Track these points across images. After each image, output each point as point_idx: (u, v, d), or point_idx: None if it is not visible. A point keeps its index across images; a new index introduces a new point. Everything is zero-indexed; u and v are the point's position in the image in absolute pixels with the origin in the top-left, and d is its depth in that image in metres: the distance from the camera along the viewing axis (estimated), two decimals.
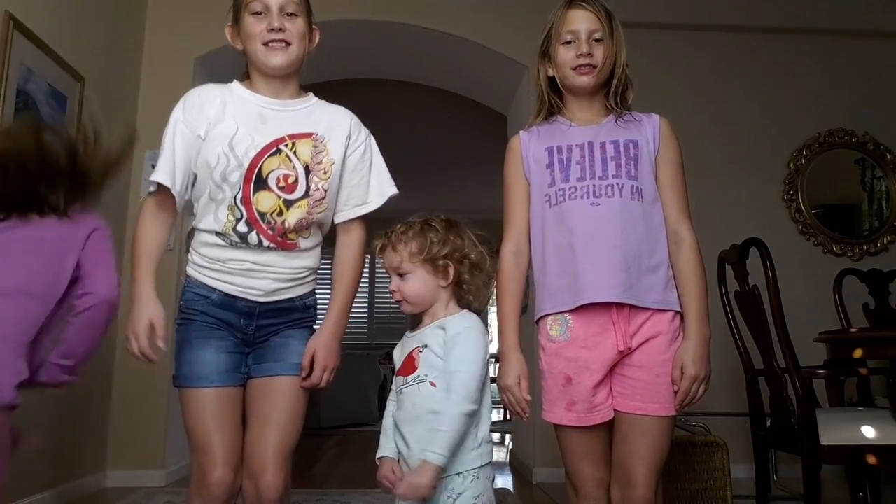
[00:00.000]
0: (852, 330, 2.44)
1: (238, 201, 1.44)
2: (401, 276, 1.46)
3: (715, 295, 2.60)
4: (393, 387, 1.50)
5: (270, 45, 1.47)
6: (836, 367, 2.40)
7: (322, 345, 1.50)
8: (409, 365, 1.44)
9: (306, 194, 1.47)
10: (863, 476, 2.34)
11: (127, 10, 3.59)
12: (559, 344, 1.44)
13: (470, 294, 1.47)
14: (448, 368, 1.38)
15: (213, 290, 1.48)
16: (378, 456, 1.45)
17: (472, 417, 1.38)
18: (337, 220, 1.58)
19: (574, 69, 1.48)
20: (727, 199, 3.84)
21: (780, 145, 3.99)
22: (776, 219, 3.90)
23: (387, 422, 1.48)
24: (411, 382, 1.42)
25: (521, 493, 3.34)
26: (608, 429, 1.44)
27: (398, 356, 1.50)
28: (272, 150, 1.45)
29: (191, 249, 1.53)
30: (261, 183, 1.44)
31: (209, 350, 1.45)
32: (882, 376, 2.40)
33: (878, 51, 4.11)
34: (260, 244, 1.46)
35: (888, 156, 4.00)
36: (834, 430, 2.09)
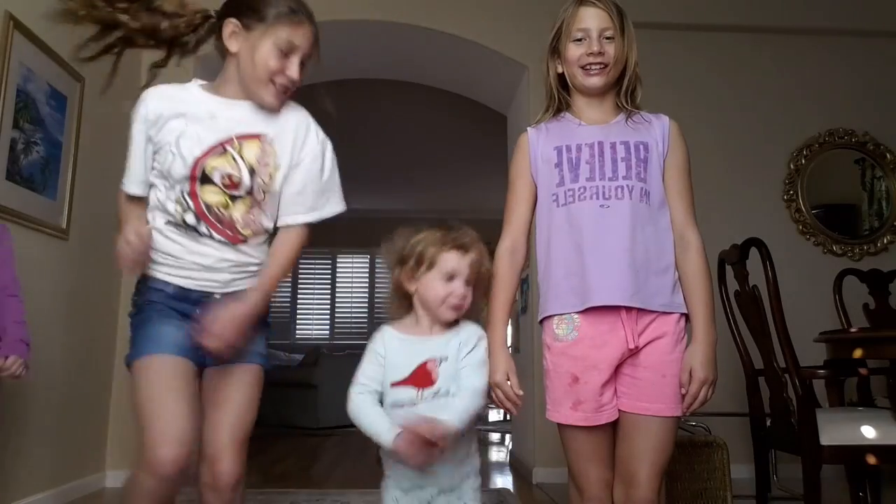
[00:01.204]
0: (852, 330, 2.44)
1: (185, 195, 1.44)
2: (467, 283, 1.45)
3: (715, 295, 2.59)
4: (388, 399, 1.42)
5: (277, 85, 1.45)
6: (836, 367, 2.40)
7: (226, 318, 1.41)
8: (424, 377, 1.40)
9: (249, 193, 1.45)
10: (863, 476, 2.34)
11: None
12: (565, 343, 1.43)
13: (474, 312, 1.50)
14: (470, 362, 1.42)
15: (168, 283, 1.45)
16: (386, 437, 1.34)
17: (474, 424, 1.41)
18: (279, 224, 1.52)
19: (583, 68, 1.47)
20: (727, 199, 3.84)
21: (780, 145, 4.00)
22: (776, 219, 3.90)
23: (372, 406, 1.41)
24: (430, 397, 1.40)
25: (521, 493, 3.34)
26: (613, 429, 1.44)
27: (400, 361, 1.43)
28: (218, 151, 1.43)
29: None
30: (206, 180, 1.43)
31: (169, 326, 1.41)
32: (882, 376, 2.40)
33: (878, 51, 4.11)
34: (211, 237, 1.45)
35: (888, 156, 4.00)
36: (834, 430, 2.09)
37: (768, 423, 2.41)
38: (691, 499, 2.41)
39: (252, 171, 1.44)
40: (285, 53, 1.43)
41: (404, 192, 7.99)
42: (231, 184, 1.43)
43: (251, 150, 1.44)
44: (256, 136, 1.45)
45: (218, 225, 1.45)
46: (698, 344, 1.40)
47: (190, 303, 1.45)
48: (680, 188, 1.51)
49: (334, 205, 1.55)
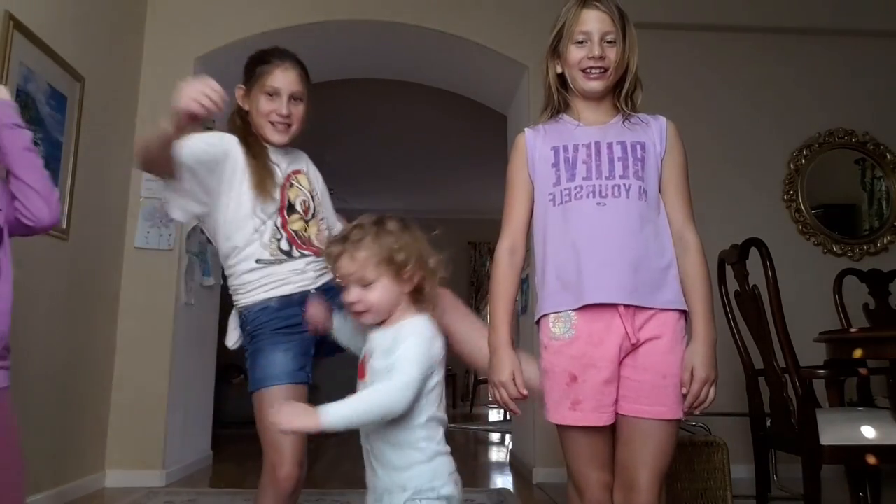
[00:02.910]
0: (852, 330, 2.44)
1: (278, 226, 1.72)
2: (364, 285, 1.38)
3: (715, 295, 2.60)
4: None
5: (276, 126, 1.76)
6: (836, 367, 2.40)
7: None
8: (361, 369, 1.42)
9: (314, 213, 1.80)
10: (863, 476, 2.34)
11: (127, 9, 3.59)
12: (562, 342, 1.42)
13: (428, 300, 1.43)
14: (388, 364, 1.33)
15: (270, 299, 1.68)
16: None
17: (397, 423, 1.31)
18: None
19: (584, 71, 1.46)
20: (727, 200, 3.84)
21: (780, 145, 4.00)
22: (776, 219, 3.90)
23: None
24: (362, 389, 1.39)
25: (521, 493, 3.34)
26: (612, 432, 1.42)
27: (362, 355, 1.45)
28: (290, 183, 1.77)
29: (234, 287, 1.74)
30: (291, 209, 1.75)
31: (278, 353, 1.63)
32: (882, 376, 2.40)
33: (878, 51, 4.11)
34: (302, 256, 1.73)
35: (888, 156, 4.00)
36: (834, 430, 2.09)
37: (768, 423, 2.41)
38: (691, 499, 2.41)
39: (312, 195, 1.81)
40: (271, 95, 1.75)
41: (404, 192, 7.99)
42: (305, 209, 1.77)
43: (304, 181, 1.82)
44: (301, 171, 1.83)
45: (304, 245, 1.74)
46: (698, 343, 1.39)
47: (294, 305, 1.67)
48: (678, 188, 1.50)
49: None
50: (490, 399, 8.48)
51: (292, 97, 1.77)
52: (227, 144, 1.72)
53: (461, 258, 9.28)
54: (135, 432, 3.37)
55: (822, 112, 4.03)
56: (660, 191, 1.49)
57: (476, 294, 9.43)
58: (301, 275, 1.71)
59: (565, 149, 1.48)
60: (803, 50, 4.09)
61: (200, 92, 1.42)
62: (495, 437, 5.99)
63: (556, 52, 1.52)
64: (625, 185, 1.43)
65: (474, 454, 4.44)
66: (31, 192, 1.46)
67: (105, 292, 3.31)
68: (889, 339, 2.06)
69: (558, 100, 1.54)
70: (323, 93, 1.71)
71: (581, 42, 1.46)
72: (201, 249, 3.85)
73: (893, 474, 2.67)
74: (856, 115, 4.03)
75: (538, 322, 1.50)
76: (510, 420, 6.04)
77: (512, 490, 3.41)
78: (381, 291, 1.39)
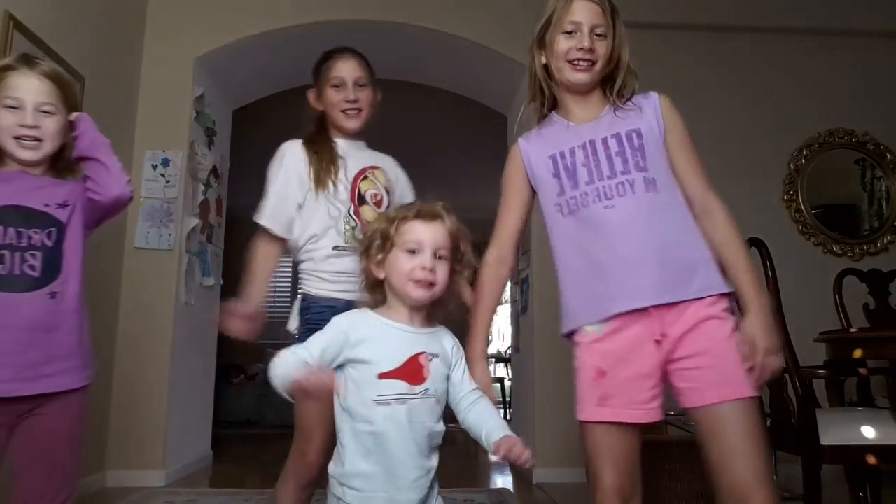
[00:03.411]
0: (852, 330, 2.44)
1: (351, 213, 1.79)
2: (438, 257, 1.32)
3: None
4: (363, 394, 1.26)
5: (348, 112, 1.87)
6: (836, 367, 2.40)
7: None
8: (416, 372, 1.28)
9: (388, 208, 1.84)
10: (863, 476, 2.34)
11: (127, 9, 3.59)
12: (592, 337, 1.36)
13: (446, 310, 1.39)
14: (469, 385, 1.34)
15: (338, 300, 1.70)
16: (293, 374, 1.21)
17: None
18: None
19: (571, 62, 1.42)
20: (727, 200, 3.76)
21: (780, 145, 3.99)
22: (776, 219, 3.90)
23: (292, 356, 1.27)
24: (420, 394, 1.27)
25: (520, 493, 3.34)
26: (639, 435, 1.36)
27: (387, 349, 1.28)
28: (363, 176, 1.85)
29: (307, 272, 1.80)
30: (362, 200, 1.82)
31: None
32: (882, 376, 2.40)
33: (878, 51, 4.11)
34: None
35: (888, 156, 4.00)
36: (834, 430, 2.09)
37: (768, 423, 2.41)
38: (691, 499, 2.42)
39: (387, 190, 1.89)
40: (338, 86, 1.87)
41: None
42: (377, 202, 1.84)
43: (381, 176, 1.90)
44: (379, 168, 1.91)
45: None
46: (752, 313, 1.32)
47: None
48: (688, 162, 1.45)
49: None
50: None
51: (357, 83, 1.88)
52: (284, 161, 1.83)
53: None
54: (135, 432, 3.37)
55: (822, 112, 4.03)
56: (673, 171, 1.43)
57: None
58: None
59: (562, 155, 1.44)
60: (803, 50, 4.09)
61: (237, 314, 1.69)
62: None
63: (542, 42, 1.48)
64: (628, 181, 1.38)
65: (474, 454, 4.44)
66: (102, 167, 1.51)
67: (105, 292, 3.31)
68: (889, 339, 2.06)
69: (546, 93, 1.51)
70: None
71: (570, 32, 1.43)
72: (201, 249, 3.85)
73: (893, 474, 2.67)
74: (856, 115, 4.03)
75: (567, 336, 1.45)
76: (510, 420, 6.03)
77: (512, 490, 3.41)
78: (446, 272, 1.35)
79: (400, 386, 1.26)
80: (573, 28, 1.43)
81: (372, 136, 1.99)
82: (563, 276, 1.45)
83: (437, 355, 1.30)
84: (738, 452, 1.25)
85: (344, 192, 1.80)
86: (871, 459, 2.06)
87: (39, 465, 1.39)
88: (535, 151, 1.49)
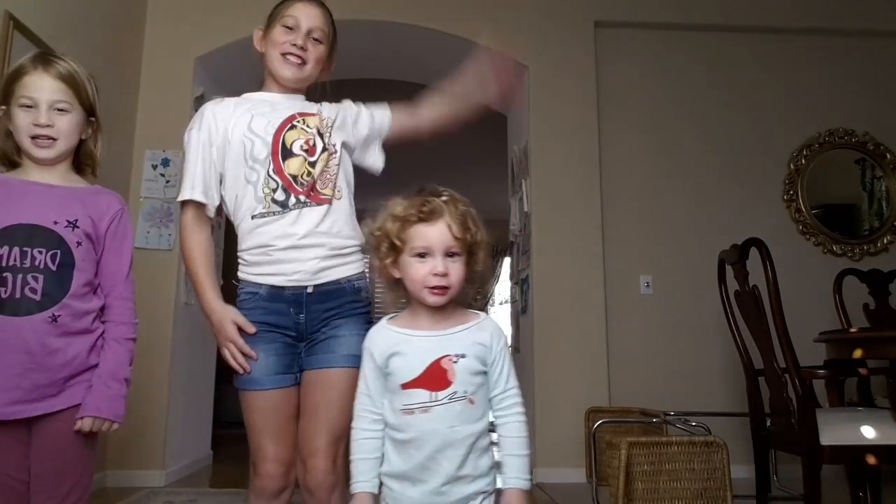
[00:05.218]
0: (852, 330, 2.44)
1: (271, 173, 1.55)
2: (450, 255, 1.26)
3: (715, 295, 2.60)
4: (393, 404, 1.27)
5: (288, 57, 1.61)
6: (836, 367, 2.40)
7: None
8: (440, 377, 1.24)
9: (324, 150, 1.60)
10: (863, 476, 2.34)
11: (127, 9, 3.59)
12: None
13: (474, 289, 1.34)
14: (503, 385, 1.28)
15: (261, 285, 1.55)
16: (357, 489, 1.24)
17: (483, 427, 1.29)
18: (386, 123, 1.74)
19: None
20: (727, 199, 3.83)
21: (780, 145, 4.00)
22: (776, 219, 3.90)
23: (369, 444, 1.27)
24: (445, 399, 1.23)
25: None
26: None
27: (409, 359, 1.27)
28: (288, 126, 1.59)
29: (238, 255, 1.61)
30: (287, 153, 1.56)
31: (259, 353, 1.52)
32: (882, 376, 2.40)
33: (878, 51, 4.11)
34: (298, 202, 1.55)
35: (888, 156, 4.00)
36: (834, 430, 2.09)
37: (768, 423, 2.41)
38: (691, 499, 2.41)
39: (319, 133, 1.61)
40: (291, 28, 1.61)
41: (404, 192, 7.98)
42: (309, 149, 1.58)
43: (313, 120, 1.62)
44: (313, 114, 1.63)
45: (304, 191, 1.55)
46: None
47: (284, 302, 1.53)
48: None
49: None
50: None
51: (311, 33, 1.63)
52: (202, 123, 1.60)
53: None
54: (135, 432, 3.36)
55: (822, 112, 4.03)
56: None
57: None
58: (298, 254, 1.53)
59: None
60: (803, 50, 4.09)
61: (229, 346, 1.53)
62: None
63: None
64: None
65: None
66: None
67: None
68: (889, 339, 2.06)
69: None
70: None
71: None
72: None
73: (893, 474, 2.67)
74: (856, 115, 4.03)
75: None
76: None
77: None
78: (462, 269, 1.28)
79: (422, 394, 1.24)
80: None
81: None
82: None
83: (463, 355, 1.26)
84: None
85: (263, 148, 1.55)
86: (871, 459, 2.06)
87: (50, 466, 1.39)
88: None
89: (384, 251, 1.31)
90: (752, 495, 2.50)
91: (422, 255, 1.27)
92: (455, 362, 1.25)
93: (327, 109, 1.67)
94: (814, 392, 2.15)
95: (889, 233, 3.95)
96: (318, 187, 1.57)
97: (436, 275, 1.25)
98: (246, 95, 1.66)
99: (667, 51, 4.01)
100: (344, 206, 1.61)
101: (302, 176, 1.56)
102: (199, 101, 3.82)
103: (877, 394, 2.66)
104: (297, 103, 1.65)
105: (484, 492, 1.27)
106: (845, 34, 4.10)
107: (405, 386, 1.25)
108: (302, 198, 1.54)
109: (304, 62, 1.61)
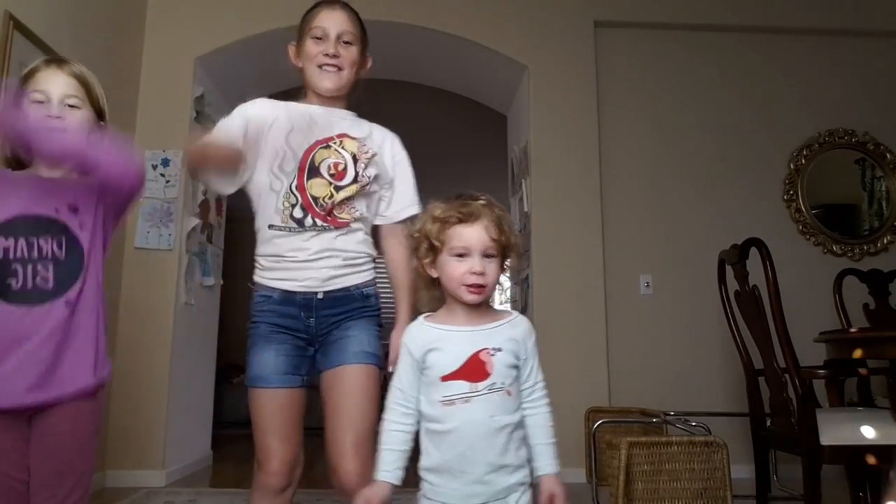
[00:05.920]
0: (852, 330, 2.44)
1: (293, 188, 1.57)
2: (487, 256, 1.32)
3: (715, 295, 2.61)
4: (431, 396, 1.31)
5: (324, 68, 1.63)
6: (836, 367, 2.40)
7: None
8: (478, 369, 1.29)
9: (355, 180, 1.61)
10: (863, 476, 2.34)
11: (127, 10, 3.59)
12: None
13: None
14: (533, 378, 1.35)
15: (274, 289, 1.58)
16: (378, 478, 1.29)
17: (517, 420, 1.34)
18: (394, 219, 1.70)
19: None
20: (727, 199, 3.84)
21: (780, 145, 4.00)
22: (776, 219, 3.90)
23: (397, 436, 1.32)
24: (485, 391, 1.28)
25: None
26: None
27: (448, 353, 1.31)
28: (323, 145, 1.61)
29: (255, 258, 1.64)
30: (313, 172, 1.58)
31: (270, 353, 1.56)
32: (882, 376, 2.40)
33: (878, 51, 4.11)
34: (314, 225, 1.57)
35: (888, 156, 4.00)
36: (834, 430, 2.09)
37: (768, 423, 2.41)
38: (691, 499, 2.41)
39: (355, 159, 1.62)
40: (320, 38, 1.64)
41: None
42: (337, 173, 1.59)
43: (351, 144, 1.63)
44: (354, 138, 1.64)
45: (320, 213, 1.58)
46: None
47: (295, 306, 1.57)
48: None
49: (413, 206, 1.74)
50: None
51: (341, 38, 1.64)
52: (244, 115, 1.64)
53: None
54: (135, 432, 3.37)
55: (822, 112, 4.03)
56: None
57: None
58: (308, 268, 1.56)
59: None
60: (803, 50, 4.10)
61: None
62: None
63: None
64: None
65: None
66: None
67: (105, 292, 3.30)
68: (889, 339, 2.06)
69: None
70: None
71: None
72: (201, 249, 3.85)
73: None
74: (856, 115, 4.03)
75: None
76: None
77: None
78: (498, 271, 1.34)
79: (462, 385, 1.29)
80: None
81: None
82: None
83: (500, 349, 1.32)
84: None
85: (292, 161, 1.57)
86: (871, 459, 2.06)
87: (50, 465, 1.40)
88: None
89: (423, 251, 1.36)
90: (752, 495, 2.50)
91: (460, 255, 1.32)
92: (493, 355, 1.31)
93: (376, 141, 1.69)
94: (814, 392, 2.15)
95: (889, 233, 3.96)
96: (335, 212, 1.59)
97: (474, 273, 1.31)
98: (290, 104, 1.67)
99: (666, 51, 4.01)
100: (361, 227, 1.64)
101: (323, 199, 1.58)
102: (199, 101, 3.82)
103: (877, 394, 2.66)
104: (342, 122, 1.66)
105: (524, 483, 1.31)
106: (846, 34, 4.10)
107: (445, 378, 1.30)
108: (319, 221, 1.57)
109: (339, 68, 1.64)
